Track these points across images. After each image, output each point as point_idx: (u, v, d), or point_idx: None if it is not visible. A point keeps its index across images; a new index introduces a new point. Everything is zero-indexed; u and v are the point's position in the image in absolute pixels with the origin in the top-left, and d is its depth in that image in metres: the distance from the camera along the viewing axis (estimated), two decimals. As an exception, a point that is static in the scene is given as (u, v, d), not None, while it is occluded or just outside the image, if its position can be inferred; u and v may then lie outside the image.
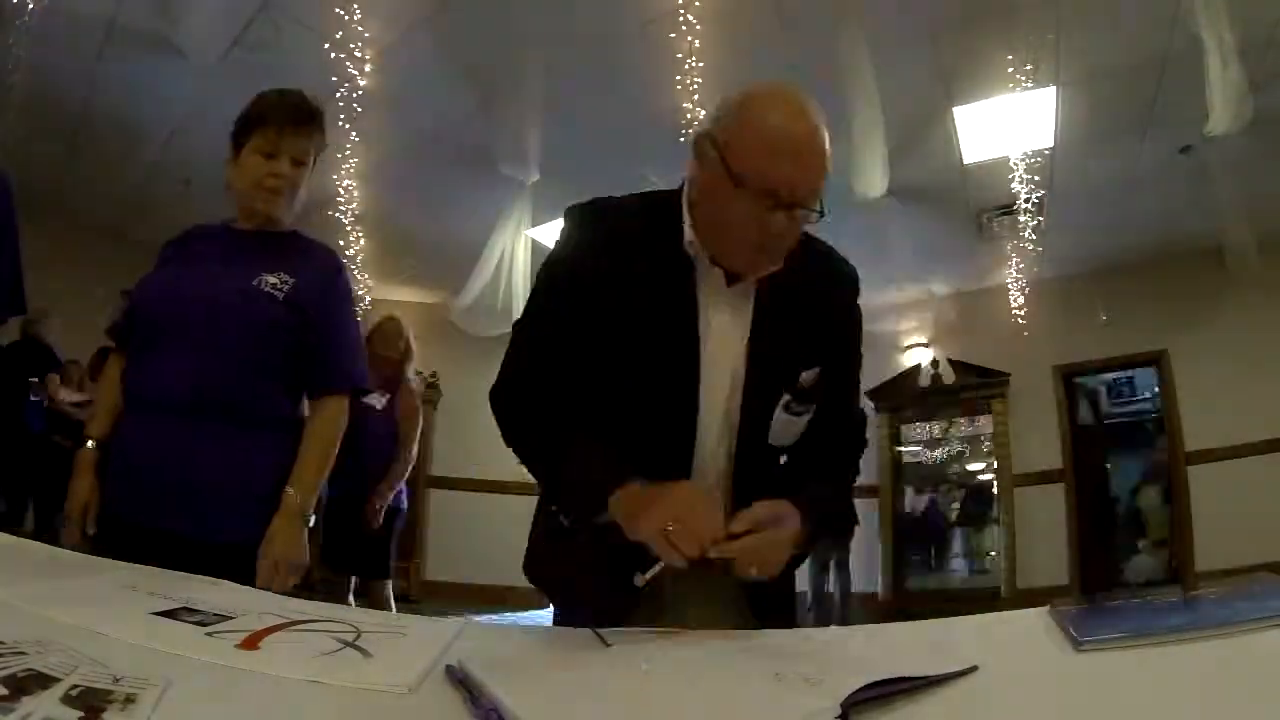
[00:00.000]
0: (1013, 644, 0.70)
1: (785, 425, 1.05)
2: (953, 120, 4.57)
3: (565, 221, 1.07)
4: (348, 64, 3.79)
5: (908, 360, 7.06)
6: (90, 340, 4.46)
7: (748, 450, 1.06)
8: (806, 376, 1.04)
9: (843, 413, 1.14)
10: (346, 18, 3.63)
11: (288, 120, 1.42)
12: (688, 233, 1.02)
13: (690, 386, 1.02)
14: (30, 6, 3.34)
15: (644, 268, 1.02)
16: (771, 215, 0.94)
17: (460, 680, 0.59)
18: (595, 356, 1.01)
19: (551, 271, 1.06)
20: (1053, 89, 4.16)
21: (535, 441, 1.04)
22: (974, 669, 0.64)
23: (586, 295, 1.01)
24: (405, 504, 3.37)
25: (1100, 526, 6.32)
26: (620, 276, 1.01)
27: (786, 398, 1.04)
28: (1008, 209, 5.15)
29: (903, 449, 7.19)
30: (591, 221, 1.06)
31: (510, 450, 1.06)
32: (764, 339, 1.04)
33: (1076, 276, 6.32)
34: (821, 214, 0.97)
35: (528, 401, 1.04)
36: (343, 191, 4.88)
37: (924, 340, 7.01)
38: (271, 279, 1.39)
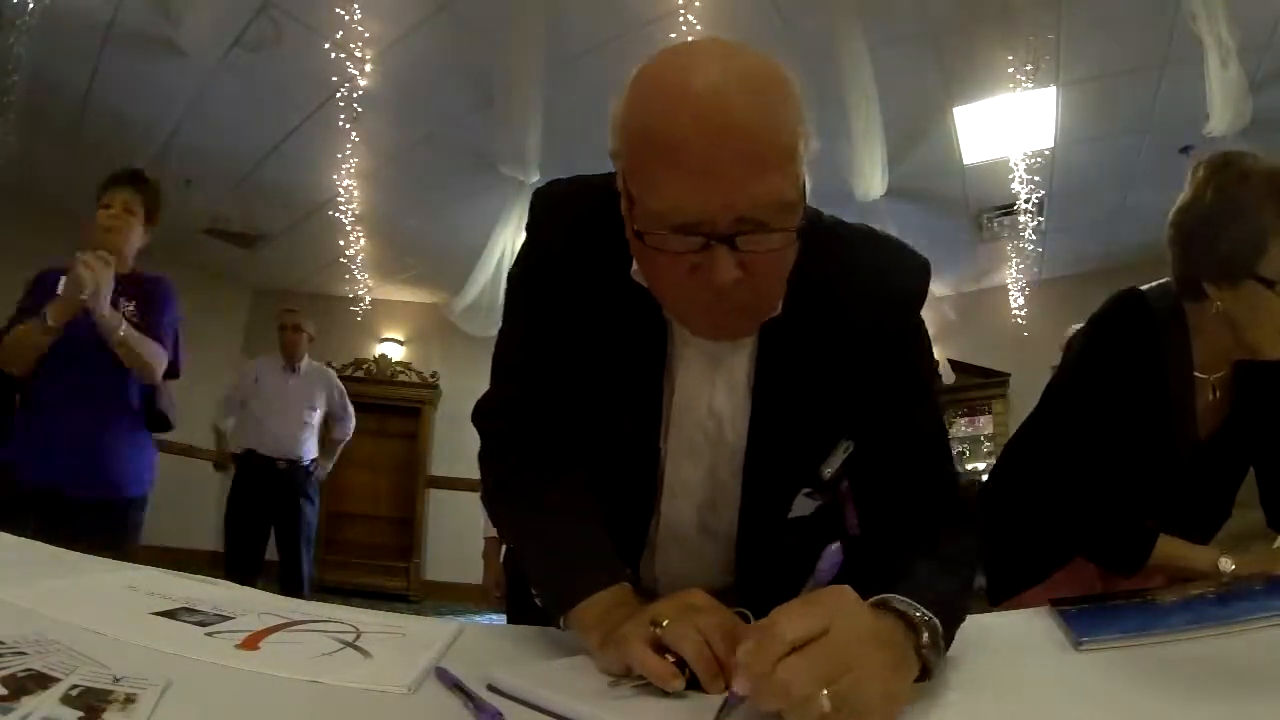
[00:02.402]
0: (1013, 644, 0.70)
1: (808, 505, 0.82)
2: (953, 120, 4.56)
3: (529, 215, 0.83)
4: (348, 64, 3.79)
5: (907, 360, 7.08)
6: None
7: (756, 526, 0.83)
8: (832, 463, 0.79)
9: (919, 466, 0.79)
10: (346, 18, 3.63)
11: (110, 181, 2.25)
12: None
13: (648, 452, 0.81)
14: (30, 6, 3.34)
15: (603, 290, 0.77)
16: (710, 257, 0.61)
17: (455, 685, 0.59)
18: (564, 384, 0.82)
19: (517, 280, 0.86)
20: (1053, 89, 4.15)
21: (515, 514, 0.87)
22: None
23: (550, 312, 0.81)
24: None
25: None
26: (578, 299, 0.79)
27: (807, 489, 0.81)
28: (1008, 209, 5.14)
29: (903, 449, 7.19)
30: (547, 219, 0.82)
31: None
32: (767, 408, 0.77)
33: (1076, 276, 6.31)
34: (799, 229, 0.63)
35: (511, 454, 0.89)
36: (343, 191, 4.87)
37: (924, 340, 7.03)
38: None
